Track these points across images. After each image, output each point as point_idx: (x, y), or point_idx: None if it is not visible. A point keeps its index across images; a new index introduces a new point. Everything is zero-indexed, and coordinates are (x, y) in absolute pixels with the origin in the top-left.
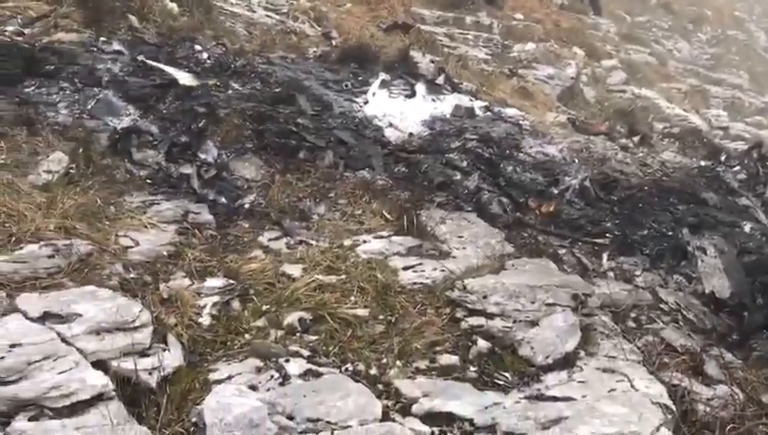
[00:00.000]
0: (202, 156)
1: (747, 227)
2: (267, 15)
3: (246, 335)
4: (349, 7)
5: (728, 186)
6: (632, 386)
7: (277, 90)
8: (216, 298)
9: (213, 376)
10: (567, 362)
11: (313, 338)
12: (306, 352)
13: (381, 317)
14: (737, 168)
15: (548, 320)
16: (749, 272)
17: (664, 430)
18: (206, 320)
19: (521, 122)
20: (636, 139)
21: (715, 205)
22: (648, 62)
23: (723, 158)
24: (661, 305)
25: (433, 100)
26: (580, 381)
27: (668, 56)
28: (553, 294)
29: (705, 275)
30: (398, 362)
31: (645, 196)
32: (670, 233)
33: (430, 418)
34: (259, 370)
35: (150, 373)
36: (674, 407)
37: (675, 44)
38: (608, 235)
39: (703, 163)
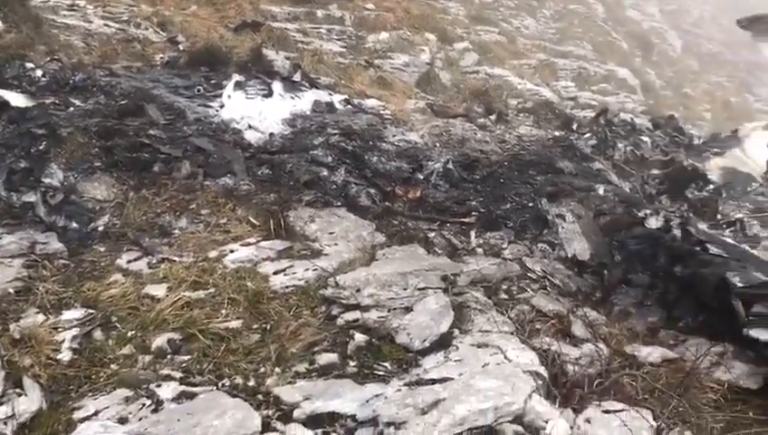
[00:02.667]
0: (46, 180)
1: (601, 190)
2: (106, 25)
3: (112, 366)
4: (194, 10)
5: (581, 152)
6: (506, 357)
7: (123, 102)
8: (75, 331)
9: (78, 414)
10: (443, 344)
11: (186, 358)
12: (179, 374)
13: (255, 326)
14: (588, 135)
15: (421, 304)
16: (605, 232)
17: (536, 396)
18: (65, 355)
19: (381, 112)
20: (492, 117)
21: (570, 172)
22: (497, 41)
23: (574, 127)
24: (529, 274)
25: (291, 97)
26: (456, 360)
27: (517, 34)
28: (424, 278)
29: (566, 241)
30: (276, 370)
31: (505, 171)
32: (531, 204)
33: (313, 421)
34: (128, 400)
35: (5, 423)
36: (545, 372)
37: (522, 22)
38: (473, 213)
39: (557, 134)
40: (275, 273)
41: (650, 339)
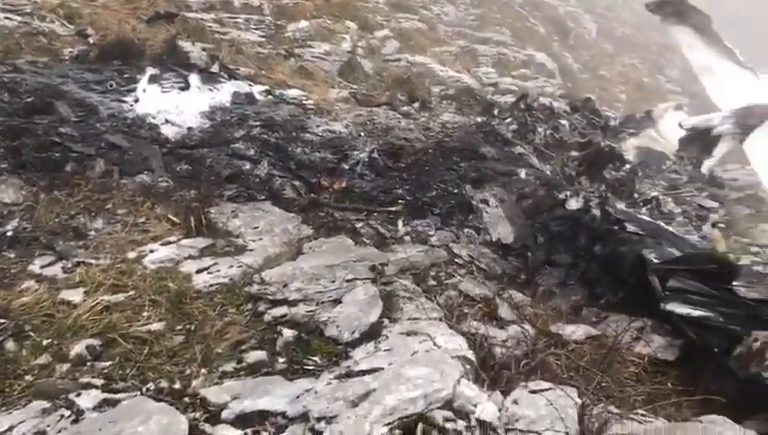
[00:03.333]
0: None
1: (523, 174)
2: (7, 18)
3: (27, 377)
4: (103, 1)
5: (503, 137)
6: (435, 344)
7: (30, 99)
8: None
9: None
10: (372, 334)
11: (107, 364)
12: (100, 382)
13: (179, 328)
14: (509, 120)
15: (350, 296)
16: (528, 215)
17: (464, 381)
18: None
19: (304, 102)
20: (416, 105)
21: (493, 157)
22: (418, 28)
23: (496, 112)
24: (456, 260)
25: (210, 89)
26: (386, 350)
27: (437, 21)
28: (352, 270)
29: (490, 225)
30: (202, 371)
31: (430, 159)
32: (456, 191)
33: (242, 420)
34: (46, 412)
35: None
36: (473, 356)
37: (442, 9)
38: (400, 201)
39: (479, 120)
40: (198, 272)
41: (574, 317)
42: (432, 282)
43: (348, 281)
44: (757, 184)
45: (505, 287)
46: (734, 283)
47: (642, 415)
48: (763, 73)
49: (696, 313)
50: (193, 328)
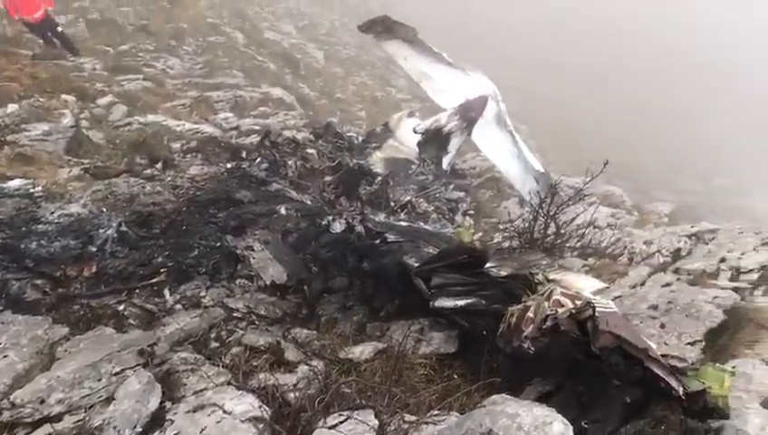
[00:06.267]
0: None
1: (283, 210)
2: None
3: None
4: None
5: (257, 178)
6: (224, 411)
7: None
8: None
9: None
10: (156, 423)
11: None
12: None
13: None
14: (259, 159)
15: (122, 389)
16: (297, 249)
17: None
18: None
19: (31, 191)
20: (159, 165)
21: (250, 201)
22: (144, 87)
23: (244, 154)
24: (234, 314)
25: None
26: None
27: (163, 76)
28: (119, 361)
29: (260, 270)
30: None
31: (185, 217)
32: (219, 244)
33: None
34: None
35: None
36: (266, 412)
37: (165, 63)
38: (162, 270)
39: (229, 166)
40: None
41: (360, 337)
42: (215, 344)
43: (116, 374)
44: (492, 166)
45: (290, 328)
46: (487, 265)
47: (436, 415)
48: (471, 71)
49: (462, 302)
50: None
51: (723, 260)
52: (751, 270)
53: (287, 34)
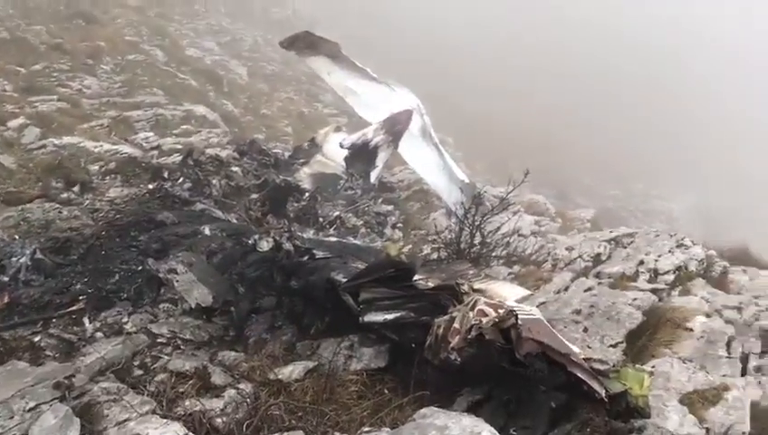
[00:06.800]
0: None
1: (207, 230)
2: None
3: None
4: None
5: (180, 198)
6: None
7: None
8: None
9: None
10: None
11: None
12: None
13: None
14: (181, 179)
15: (37, 426)
16: (222, 269)
17: None
18: None
19: None
20: (76, 189)
21: (173, 222)
22: (59, 108)
23: (166, 175)
24: (159, 340)
25: None
26: None
27: (80, 96)
28: (32, 395)
29: (185, 293)
30: None
31: (105, 242)
32: (141, 268)
33: None
34: None
35: None
36: None
37: (82, 83)
38: (81, 297)
39: (150, 187)
40: None
41: (290, 356)
42: (138, 372)
43: (30, 410)
44: (420, 179)
45: (217, 351)
46: (415, 278)
47: (367, 431)
48: (395, 85)
49: (390, 316)
50: None
51: (641, 263)
52: (667, 271)
53: (209, 51)
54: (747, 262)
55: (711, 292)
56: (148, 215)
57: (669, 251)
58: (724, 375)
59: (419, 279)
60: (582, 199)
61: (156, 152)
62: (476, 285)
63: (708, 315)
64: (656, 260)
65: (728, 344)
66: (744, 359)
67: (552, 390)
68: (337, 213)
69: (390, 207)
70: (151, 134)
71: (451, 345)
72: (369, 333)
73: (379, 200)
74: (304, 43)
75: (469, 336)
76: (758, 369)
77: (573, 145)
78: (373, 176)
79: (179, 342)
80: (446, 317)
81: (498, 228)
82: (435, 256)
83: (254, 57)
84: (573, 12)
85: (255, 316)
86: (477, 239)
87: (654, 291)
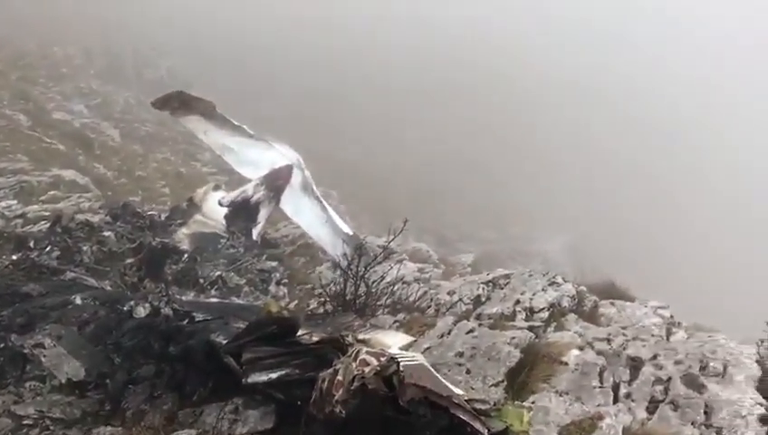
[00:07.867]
0: None
1: (78, 300)
2: None
3: None
4: None
5: (48, 268)
6: None
7: None
8: None
9: None
10: None
11: None
12: None
13: None
14: (49, 247)
15: None
16: (96, 340)
17: None
18: None
19: None
20: None
21: (40, 294)
22: None
23: (32, 244)
24: (24, 422)
25: None
26: None
27: None
28: None
29: (54, 368)
30: None
31: None
32: (2, 344)
33: None
34: None
35: None
36: None
37: None
38: None
39: (14, 257)
40: None
41: (171, 426)
42: None
43: None
44: (304, 233)
45: (91, 428)
46: (299, 333)
47: None
48: (274, 141)
49: (275, 374)
50: None
51: (517, 302)
52: (542, 309)
53: (78, 114)
54: (613, 295)
55: (583, 325)
56: (11, 287)
57: (542, 289)
58: (598, 405)
59: (304, 334)
60: (463, 244)
61: (20, 221)
62: (361, 336)
63: (581, 348)
64: (530, 299)
65: (600, 374)
66: (615, 387)
67: (436, 434)
68: (218, 273)
69: (275, 263)
70: (15, 202)
71: (335, 398)
72: (254, 394)
73: (263, 257)
74: (178, 102)
75: (352, 387)
76: (627, 395)
77: (457, 190)
78: (255, 232)
79: (48, 422)
80: (330, 371)
81: (383, 277)
82: (321, 309)
83: (126, 119)
84: (457, 53)
85: (133, 387)
86: (362, 289)
87: (531, 328)
